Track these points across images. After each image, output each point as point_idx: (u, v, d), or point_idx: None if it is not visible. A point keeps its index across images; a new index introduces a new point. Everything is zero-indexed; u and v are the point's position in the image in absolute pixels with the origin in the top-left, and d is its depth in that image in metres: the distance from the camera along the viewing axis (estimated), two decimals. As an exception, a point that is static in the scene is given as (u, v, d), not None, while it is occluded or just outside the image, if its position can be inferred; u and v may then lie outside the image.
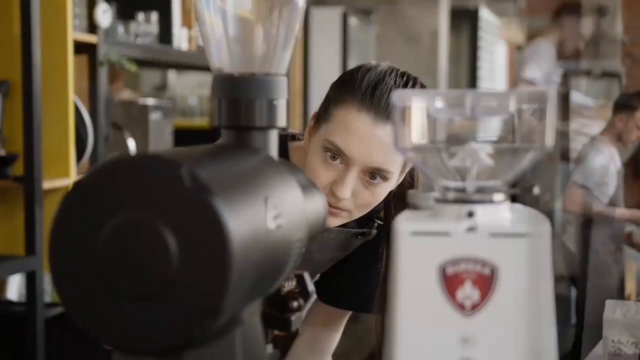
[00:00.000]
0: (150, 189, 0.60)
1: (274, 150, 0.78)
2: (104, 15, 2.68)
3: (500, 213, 0.69)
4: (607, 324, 1.99)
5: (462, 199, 0.69)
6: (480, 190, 0.70)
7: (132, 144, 2.98)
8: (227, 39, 0.78)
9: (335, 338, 1.52)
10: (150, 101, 3.22)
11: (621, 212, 4.49)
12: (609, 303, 2.02)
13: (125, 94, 4.09)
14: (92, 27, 2.70)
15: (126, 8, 3.04)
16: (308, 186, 0.84)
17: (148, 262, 0.59)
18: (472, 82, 7.56)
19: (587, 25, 4.60)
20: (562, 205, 4.39)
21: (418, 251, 0.67)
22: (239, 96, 0.76)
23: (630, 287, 4.70)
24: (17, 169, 2.41)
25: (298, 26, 0.81)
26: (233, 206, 0.61)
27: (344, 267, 1.46)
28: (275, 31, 0.78)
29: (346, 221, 1.31)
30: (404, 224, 0.68)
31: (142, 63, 3.21)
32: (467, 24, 7.36)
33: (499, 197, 0.69)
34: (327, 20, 5.45)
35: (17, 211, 2.45)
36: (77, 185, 0.61)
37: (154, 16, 3.11)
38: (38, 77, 2.37)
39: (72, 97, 2.52)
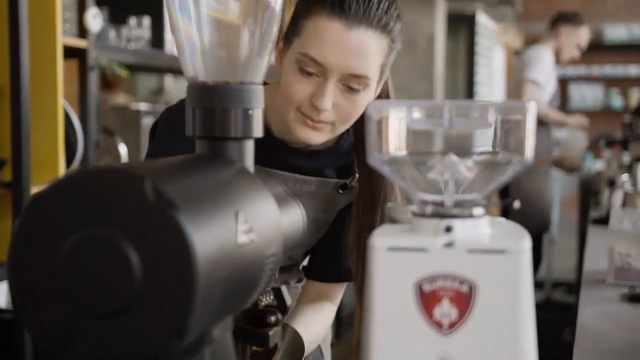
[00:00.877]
0: (113, 204, 0.58)
1: (249, 160, 0.76)
2: (95, 19, 2.65)
3: (479, 228, 0.66)
4: (614, 234, 1.87)
5: (440, 213, 0.67)
6: (459, 204, 0.67)
7: (123, 150, 2.95)
8: (201, 46, 0.76)
9: (332, 311, 1.47)
10: (143, 106, 3.19)
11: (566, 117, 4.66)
12: (615, 211, 1.90)
13: (121, 99, 4.07)
14: (83, 32, 2.67)
15: (118, 12, 3.02)
16: (284, 197, 0.82)
17: (110, 279, 0.57)
18: (470, 87, 7.54)
19: (585, 34, 4.63)
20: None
21: (394, 267, 0.65)
22: (214, 105, 0.74)
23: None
24: (6, 174, 2.39)
25: (275, 31, 0.78)
26: (199, 221, 0.59)
27: (326, 239, 1.45)
28: (250, 38, 0.76)
29: (330, 136, 1.29)
30: (380, 239, 0.65)
31: (134, 67, 3.18)
32: (465, 29, 7.34)
33: (478, 211, 0.67)
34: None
35: (5, 217, 2.42)
36: (37, 198, 0.59)
37: (146, 21, 3.08)
38: (27, 81, 2.34)
39: (61, 102, 2.49)
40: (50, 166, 2.44)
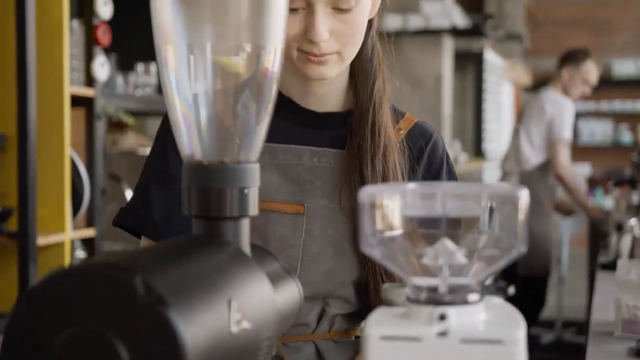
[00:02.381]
0: (104, 299, 0.57)
1: (245, 239, 0.76)
2: (102, 68, 2.67)
3: (474, 315, 0.66)
4: (621, 286, 1.82)
5: (434, 299, 0.66)
6: (453, 289, 0.67)
7: (130, 195, 2.96)
8: (197, 125, 0.76)
9: None
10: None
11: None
12: (622, 262, 1.85)
13: (131, 139, 4.08)
14: (90, 80, 2.69)
15: (126, 59, 3.04)
16: (280, 275, 0.81)
17: (101, 376, 0.57)
18: (478, 123, 7.55)
19: (589, 69, 4.62)
20: (555, 173, 4.44)
21: (389, 357, 0.64)
22: (209, 185, 0.74)
23: None
24: (12, 224, 2.39)
25: (270, 109, 0.78)
26: (191, 315, 0.58)
27: None
28: (247, 116, 0.76)
29: (342, 66, 1.22)
30: (374, 328, 0.65)
31: (142, 113, 3.20)
32: (472, 66, 7.37)
33: (473, 297, 0.66)
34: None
35: (11, 267, 2.42)
36: (28, 294, 0.59)
37: (153, 67, 3.11)
38: (34, 131, 2.36)
39: (68, 151, 2.50)
40: (56, 216, 2.45)
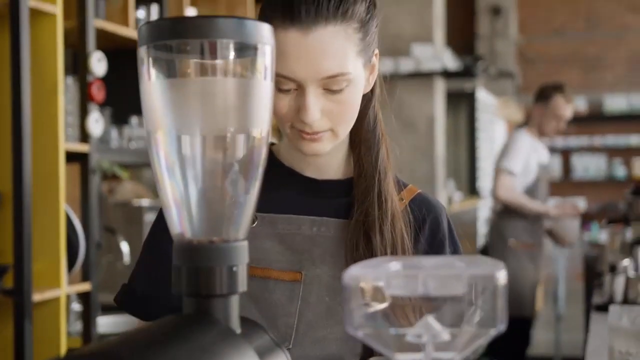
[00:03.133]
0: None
1: (234, 316, 0.78)
2: (96, 124, 2.71)
3: (457, 392, 0.68)
4: (613, 332, 1.81)
5: (418, 377, 0.68)
6: (437, 366, 0.69)
7: (125, 248, 2.98)
8: (186, 206, 0.78)
9: None
10: (146, 202, 3.23)
11: (547, 208, 4.55)
12: (613, 309, 1.85)
13: (128, 187, 4.10)
14: (85, 135, 2.72)
15: (120, 113, 3.08)
16: (270, 349, 0.83)
17: None
18: (472, 162, 7.60)
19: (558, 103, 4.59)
20: (491, 193, 4.48)
21: None
22: (199, 264, 0.77)
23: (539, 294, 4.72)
24: (7, 281, 2.41)
25: (257, 188, 0.81)
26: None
27: None
28: (234, 199, 0.79)
29: (335, 142, 1.22)
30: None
31: (137, 165, 3.23)
32: (465, 105, 7.43)
33: (456, 374, 0.68)
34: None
35: (7, 325, 2.43)
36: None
37: (148, 119, 3.13)
38: (29, 188, 2.38)
39: (63, 207, 2.52)
40: (52, 271, 2.47)
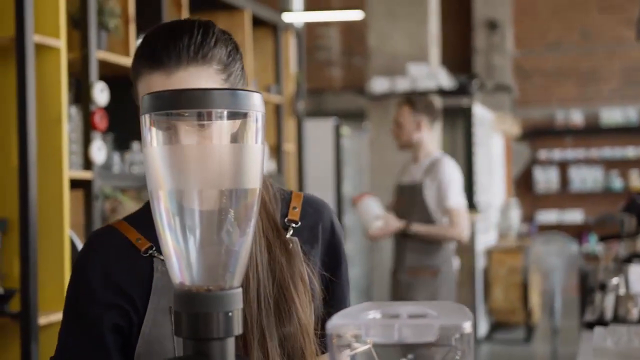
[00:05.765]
0: None
1: (230, 358, 0.86)
2: (99, 152, 2.80)
3: None
4: (597, 353, 1.84)
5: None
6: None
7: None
8: (186, 258, 0.87)
9: None
10: (147, 224, 3.30)
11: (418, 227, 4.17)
12: (597, 330, 1.87)
13: (130, 205, 4.17)
14: (88, 163, 2.81)
15: (122, 139, 3.17)
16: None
17: None
18: (469, 177, 7.66)
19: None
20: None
21: None
22: (197, 311, 0.85)
23: None
24: (14, 305, 2.49)
25: (251, 235, 0.89)
26: None
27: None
28: (230, 250, 0.87)
29: None
30: None
31: (139, 188, 3.32)
32: (462, 120, 7.50)
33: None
34: (320, 130, 5.62)
35: (13, 348, 2.51)
36: None
37: (149, 144, 3.22)
38: (35, 215, 2.47)
39: (67, 232, 2.61)
40: (57, 295, 2.55)
